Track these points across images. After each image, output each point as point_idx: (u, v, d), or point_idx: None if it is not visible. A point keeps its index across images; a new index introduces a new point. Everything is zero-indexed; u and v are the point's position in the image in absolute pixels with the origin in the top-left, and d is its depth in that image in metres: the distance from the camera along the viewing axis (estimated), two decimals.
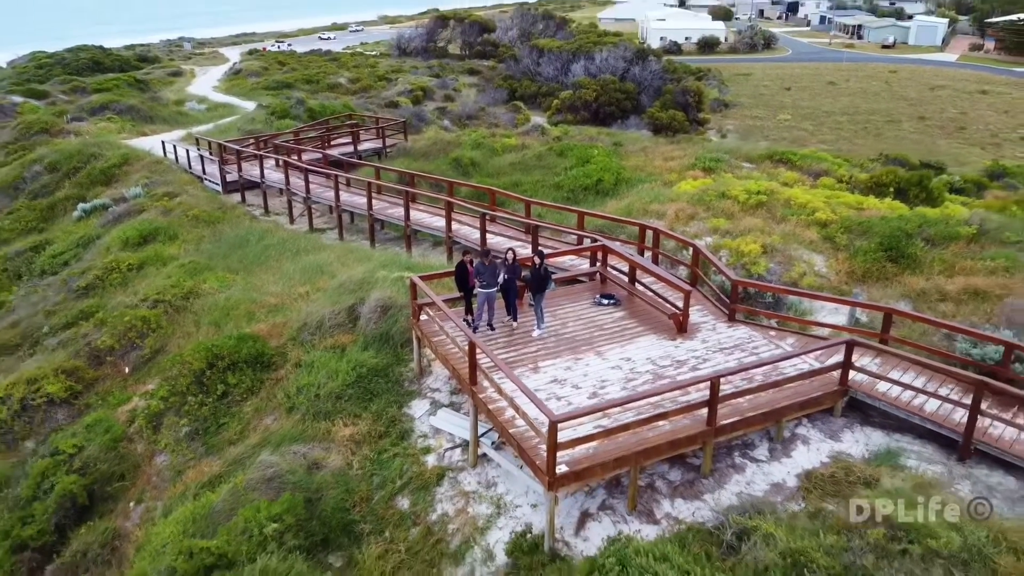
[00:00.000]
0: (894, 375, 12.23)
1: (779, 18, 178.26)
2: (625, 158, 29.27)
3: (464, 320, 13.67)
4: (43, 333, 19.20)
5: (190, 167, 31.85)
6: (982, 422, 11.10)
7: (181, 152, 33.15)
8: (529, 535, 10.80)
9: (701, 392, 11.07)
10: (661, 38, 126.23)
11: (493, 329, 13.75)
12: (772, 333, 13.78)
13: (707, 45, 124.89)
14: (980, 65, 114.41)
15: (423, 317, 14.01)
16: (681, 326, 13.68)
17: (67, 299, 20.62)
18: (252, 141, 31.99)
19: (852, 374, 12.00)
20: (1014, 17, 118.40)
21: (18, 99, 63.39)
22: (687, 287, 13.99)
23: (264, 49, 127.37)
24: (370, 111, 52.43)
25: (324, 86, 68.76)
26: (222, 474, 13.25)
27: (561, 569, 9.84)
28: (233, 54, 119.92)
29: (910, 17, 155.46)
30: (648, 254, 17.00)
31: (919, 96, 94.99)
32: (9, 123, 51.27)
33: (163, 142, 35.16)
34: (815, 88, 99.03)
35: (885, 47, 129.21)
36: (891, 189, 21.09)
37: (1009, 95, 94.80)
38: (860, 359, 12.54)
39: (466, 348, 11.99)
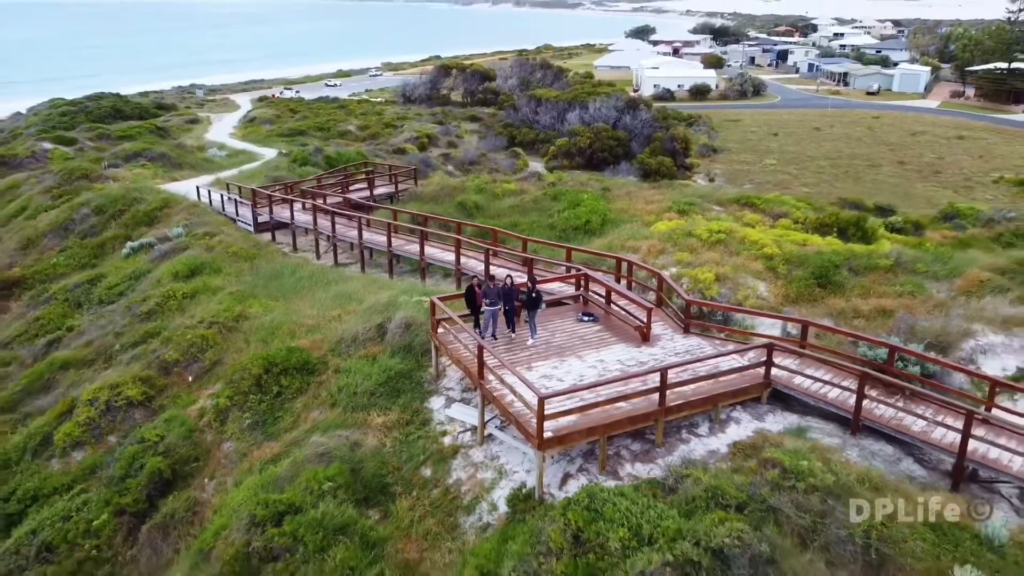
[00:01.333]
0: (809, 372, 15.77)
1: (769, 65, 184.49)
2: (612, 201, 33.06)
3: (482, 324, 17.31)
4: (115, 350, 22.72)
5: (224, 210, 35.66)
6: (868, 404, 14.61)
7: (215, 196, 37.00)
8: (523, 490, 14.23)
9: (656, 382, 14.59)
10: (655, 85, 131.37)
11: (496, 339, 17.31)
12: (718, 341, 17.35)
13: (699, 92, 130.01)
14: (960, 111, 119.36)
15: (440, 330, 17.57)
16: (645, 336, 17.26)
17: (132, 322, 24.18)
18: (280, 187, 35.87)
19: (774, 370, 15.55)
20: (991, 66, 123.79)
21: (48, 145, 67.76)
22: (650, 306, 17.61)
23: (274, 96, 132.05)
24: (380, 157, 56.60)
25: (335, 133, 73.15)
26: (280, 454, 16.69)
27: (547, 509, 13.25)
28: (243, 100, 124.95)
29: (895, 65, 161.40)
30: (624, 281, 20.64)
31: (900, 141, 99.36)
32: (44, 168, 55.66)
33: (197, 187, 39.09)
34: (801, 134, 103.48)
35: (870, 94, 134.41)
36: (834, 229, 24.78)
37: (985, 140, 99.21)
38: (784, 360, 16.09)
39: (476, 351, 15.52)
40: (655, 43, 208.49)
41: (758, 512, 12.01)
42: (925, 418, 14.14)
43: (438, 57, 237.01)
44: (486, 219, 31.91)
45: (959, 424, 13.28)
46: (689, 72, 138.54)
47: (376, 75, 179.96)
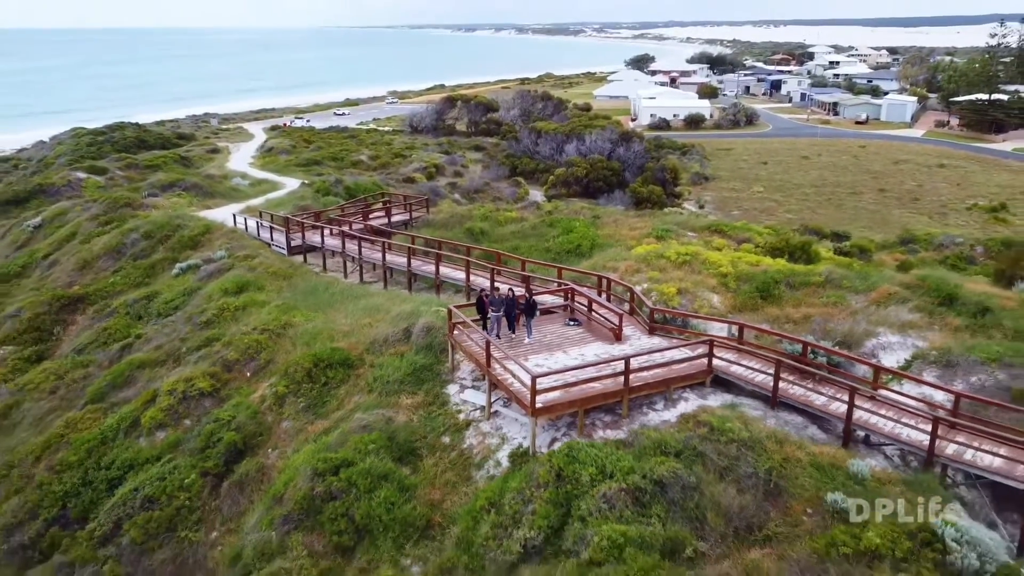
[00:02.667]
0: (743, 362, 20.29)
1: (764, 94, 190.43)
2: (601, 228, 37.74)
3: (488, 328, 21.88)
4: (183, 352, 27.30)
5: (259, 235, 40.36)
6: (784, 386, 19.12)
7: (250, 223, 41.75)
8: (521, 450, 18.72)
9: (622, 368, 19.10)
10: (651, 115, 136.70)
11: (499, 338, 21.86)
12: (675, 340, 21.91)
13: (694, 121, 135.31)
14: (943, 140, 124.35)
15: (456, 332, 22.13)
16: (618, 336, 21.83)
17: (193, 330, 28.77)
18: (309, 214, 40.62)
19: (716, 361, 20.08)
20: (974, 97, 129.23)
21: (82, 175, 72.91)
22: (622, 312, 22.22)
23: (286, 125, 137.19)
24: (391, 186, 61.51)
25: (348, 163, 78.16)
26: (330, 427, 21.20)
27: (538, 460, 17.73)
28: (256, 129, 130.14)
29: (885, 94, 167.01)
30: (603, 294, 25.23)
31: (883, 169, 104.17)
32: (76, 195, 60.70)
33: (234, 215, 43.88)
34: (789, 162, 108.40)
35: (858, 123, 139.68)
36: (785, 252, 29.36)
37: (964, 169, 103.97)
38: (724, 353, 20.59)
39: (485, 347, 20.07)
40: (653, 73, 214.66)
41: (690, 456, 16.53)
42: (825, 395, 18.67)
43: (442, 86, 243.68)
44: (491, 243, 36.56)
45: (847, 399, 17.81)
46: (684, 102, 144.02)
47: (392, 102, 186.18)
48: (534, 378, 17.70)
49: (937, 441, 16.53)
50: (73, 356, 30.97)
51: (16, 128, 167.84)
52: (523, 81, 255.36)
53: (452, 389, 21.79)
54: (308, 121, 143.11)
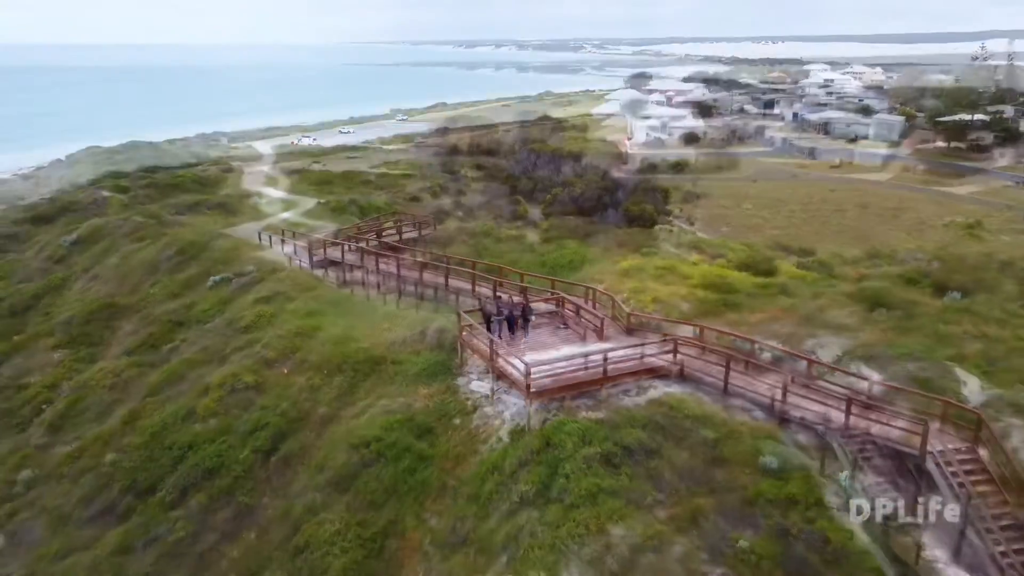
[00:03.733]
0: (702, 358, 24.47)
1: (758, 112, 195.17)
2: (592, 244, 42.05)
3: (492, 331, 26.10)
4: (227, 352, 31.50)
5: (283, 250, 44.64)
6: (734, 377, 23.29)
7: (274, 239, 46.02)
8: (518, 427, 22.88)
9: (601, 360, 23.29)
10: (647, 133, 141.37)
11: (500, 339, 26.07)
12: (646, 339, 26.12)
13: (689, 139, 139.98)
14: (931, 162, 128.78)
15: (464, 333, 26.34)
16: (600, 336, 26.05)
17: (234, 334, 32.98)
18: (328, 232, 44.91)
19: (680, 356, 24.27)
20: (957, 117, 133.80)
21: (106, 193, 76.96)
22: (604, 316, 26.45)
23: (293, 143, 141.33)
24: (399, 204, 65.88)
25: (357, 182, 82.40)
26: (359, 413, 25.37)
27: (532, 434, 21.88)
28: (265, 148, 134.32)
29: (874, 113, 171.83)
30: (590, 302, 29.46)
31: (867, 188, 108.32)
32: (101, 212, 64.94)
33: (259, 232, 48.20)
34: (779, 180, 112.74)
35: (850, 141, 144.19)
36: (750, 266, 33.58)
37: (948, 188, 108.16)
38: (688, 350, 24.76)
39: (490, 345, 24.26)
40: (650, 91, 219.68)
41: (653, 429, 20.72)
42: (767, 384, 22.85)
43: (444, 104, 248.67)
44: (493, 258, 40.76)
45: (781, 387, 21.99)
46: (680, 121, 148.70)
47: (404, 119, 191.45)
48: (529, 368, 21.92)
49: (851, 418, 20.72)
50: (125, 357, 35.17)
51: (29, 146, 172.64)
52: (524, 99, 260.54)
53: (462, 381, 25.98)
54: (314, 140, 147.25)
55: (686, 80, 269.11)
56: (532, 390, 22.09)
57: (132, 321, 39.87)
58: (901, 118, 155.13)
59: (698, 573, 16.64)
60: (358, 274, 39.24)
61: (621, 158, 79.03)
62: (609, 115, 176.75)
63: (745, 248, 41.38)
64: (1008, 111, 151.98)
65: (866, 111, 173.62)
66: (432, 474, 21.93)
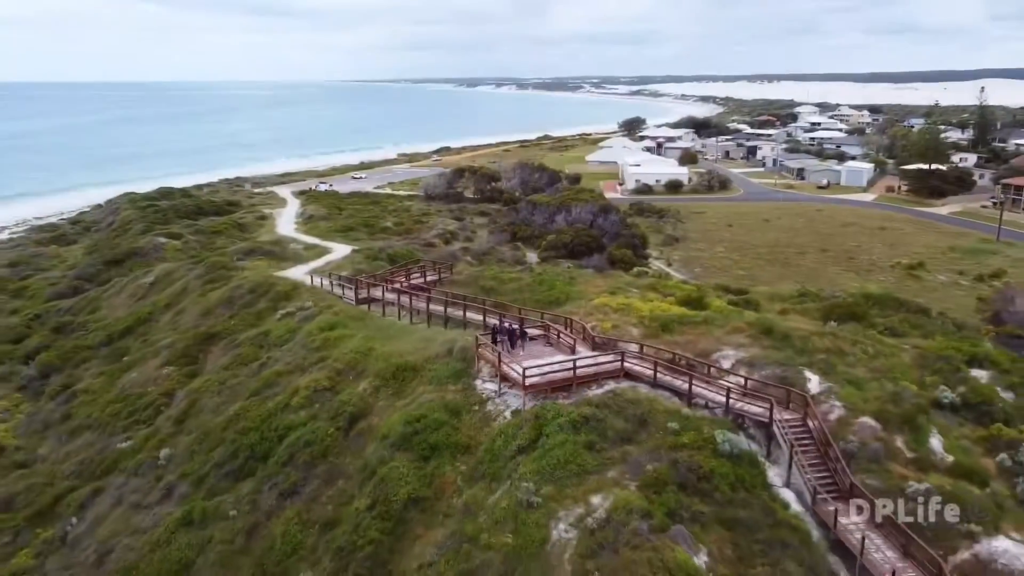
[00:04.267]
0: (641, 365, 36.32)
1: (742, 159, 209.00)
2: (574, 285, 54.09)
3: (497, 347, 38.04)
4: (305, 365, 43.37)
5: (332, 290, 56.68)
6: (661, 375, 35.11)
7: (325, 282, 58.09)
8: (516, 411, 34.69)
9: (571, 366, 35.14)
10: (636, 180, 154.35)
11: (504, 352, 37.95)
12: (605, 353, 38.02)
13: (673, 186, 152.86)
14: (890, 205, 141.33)
15: (479, 349, 38.25)
16: (573, 351, 37.99)
17: (308, 352, 44.86)
18: (367, 276, 57.02)
19: (627, 364, 36.14)
20: (917, 166, 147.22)
21: (162, 240, 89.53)
22: (575, 338, 38.47)
23: (311, 189, 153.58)
24: (417, 249, 78.25)
25: (378, 228, 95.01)
26: (408, 404, 37.14)
27: (525, 413, 33.66)
28: (285, 193, 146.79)
29: (853, 158, 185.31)
30: (568, 327, 41.45)
31: (831, 231, 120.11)
32: (160, 257, 77.11)
33: (310, 274, 60.35)
34: (751, 224, 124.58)
35: (820, 188, 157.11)
36: (688, 302, 45.48)
37: (901, 231, 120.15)
38: (632, 360, 36.58)
39: (497, 356, 36.17)
40: (641, 138, 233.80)
41: (603, 407, 32.54)
42: (682, 380, 34.67)
43: (448, 148, 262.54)
44: (498, 296, 52.75)
45: (689, 380, 33.82)
46: (665, 169, 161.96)
47: (431, 167, 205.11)
48: (524, 368, 33.83)
49: (730, 401, 32.53)
50: (223, 371, 47.06)
51: (61, 188, 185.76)
52: (523, 144, 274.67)
53: (477, 382, 37.79)
54: (331, 186, 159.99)
55: (676, 125, 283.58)
56: (527, 385, 33.94)
57: (220, 345, 51.85)
58: (870, 166, 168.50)
59: (623, 483, 28.33)
60: (395, 308, 51.25)
61: (607, 209, 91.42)
62: (602, 162, 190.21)
63: (692, 288, 53.43)
64: (970, 159, 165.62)
65: (841, 157, 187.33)
66: (460, 439, 33.62)
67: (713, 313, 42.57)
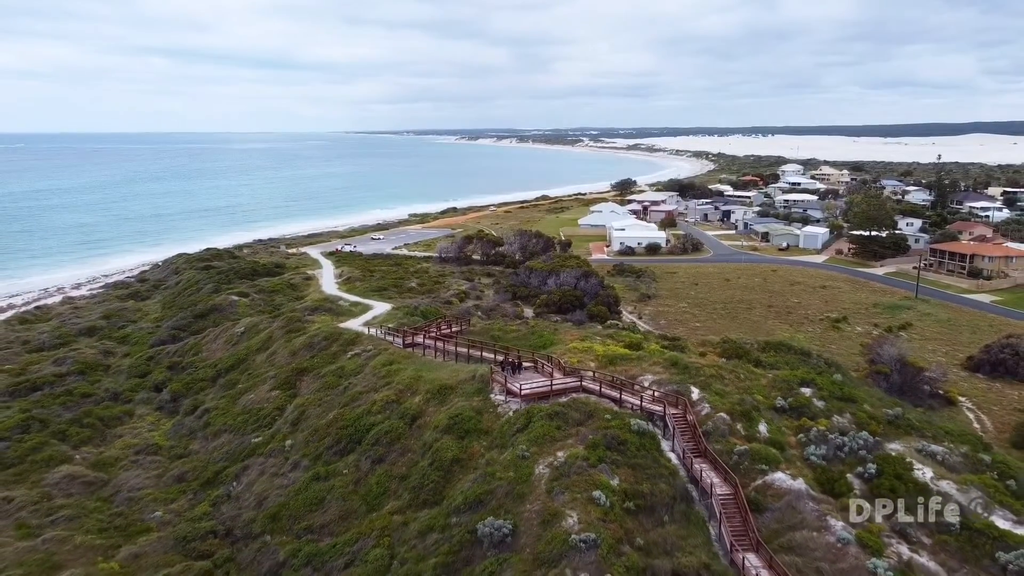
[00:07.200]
0: (593, 384, 58.80)
1: (719, 221, 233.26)
2: (556, 334, 76.80)
3: (504, 374, 60.60)
4: (377, 388, 65.79)
5: (384, 337, 79.32)
6: (605, 390, 57.57)
7: (377, 331, 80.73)
8: (516, 411, 57.10)
9: (549, 385, 57.62)
10: (621, 243, 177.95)
11: (508, 375, 60.43)
12: (571, 378, 60.53)
13: (653, 248, 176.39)
14: (836, 266, 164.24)
15: (493, 375, 60.82)
16: (551, 376, 60.58)
17: (377, 379, 67.35)
18: (410, 328, 79.72)
19: (585, 383, 58.61)
20: (861, 232, 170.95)
21: (235, 298, 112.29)
22: (552, 367, 61.20)
23: (338, 251, 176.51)
24: (439, 307, 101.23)
25: (405, 289, 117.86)
26: (448, 409, 59.54)
27: (522, 412, 56.05)
28: (315, 254, 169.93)
29: (817, 222, 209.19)
30: (551, 362, 64.04)
31: (780, 290, 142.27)
32: (234, 313, 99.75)
33: (366, 325, 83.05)
34: (714, 283, 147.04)
35: (781, 250, 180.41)
36: (632, 346, 67.93)
37: (839, 289, 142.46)
38: (588, 380, 59.03)
39: (504, 379, 58.72)
40: (629, 202, 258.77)
41: (565, 407, 54.98)
42: (615, 392, 57.10)
43: (454, 209, 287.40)
44: (503, 341, 75.30)
45: (620, 392, 56.28)
46: (647, 233, 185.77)
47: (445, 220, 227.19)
48: (521, 385, 56.46)
49: (643, 403, 54.99)
50: (316, 392, 69.47)
51: (106, 251, 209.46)
52: (522, 205, 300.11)
53: (492, 395, 60.13)
54: (355, 247, 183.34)
55: (664, 187, 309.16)
56: (522, 395, 56.41)
57: (310, 375, 74.43)
58: (826, 230, 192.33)
59: (576, 445, 50.57)
60: (432, 351, 73.80)
61: (588, 274, 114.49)
62: (593, 225, 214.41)
63: (638, 336, 76.15)
64: (915, 224, 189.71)
65: (805, 221, 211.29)
66: (482, 426, 55.86)
67: (644, 353, 65.29)
